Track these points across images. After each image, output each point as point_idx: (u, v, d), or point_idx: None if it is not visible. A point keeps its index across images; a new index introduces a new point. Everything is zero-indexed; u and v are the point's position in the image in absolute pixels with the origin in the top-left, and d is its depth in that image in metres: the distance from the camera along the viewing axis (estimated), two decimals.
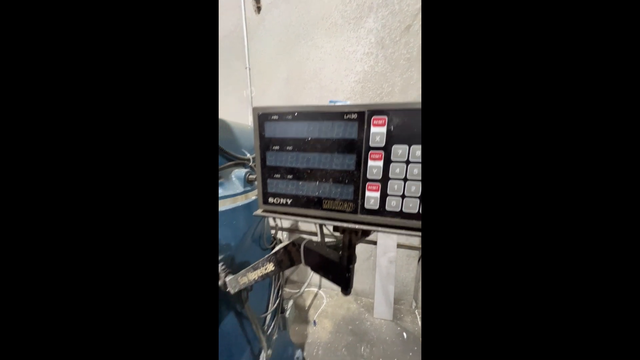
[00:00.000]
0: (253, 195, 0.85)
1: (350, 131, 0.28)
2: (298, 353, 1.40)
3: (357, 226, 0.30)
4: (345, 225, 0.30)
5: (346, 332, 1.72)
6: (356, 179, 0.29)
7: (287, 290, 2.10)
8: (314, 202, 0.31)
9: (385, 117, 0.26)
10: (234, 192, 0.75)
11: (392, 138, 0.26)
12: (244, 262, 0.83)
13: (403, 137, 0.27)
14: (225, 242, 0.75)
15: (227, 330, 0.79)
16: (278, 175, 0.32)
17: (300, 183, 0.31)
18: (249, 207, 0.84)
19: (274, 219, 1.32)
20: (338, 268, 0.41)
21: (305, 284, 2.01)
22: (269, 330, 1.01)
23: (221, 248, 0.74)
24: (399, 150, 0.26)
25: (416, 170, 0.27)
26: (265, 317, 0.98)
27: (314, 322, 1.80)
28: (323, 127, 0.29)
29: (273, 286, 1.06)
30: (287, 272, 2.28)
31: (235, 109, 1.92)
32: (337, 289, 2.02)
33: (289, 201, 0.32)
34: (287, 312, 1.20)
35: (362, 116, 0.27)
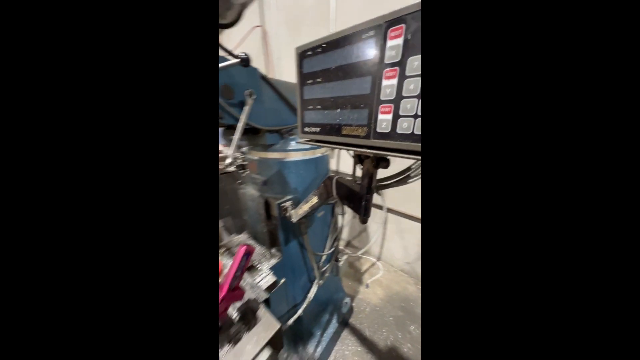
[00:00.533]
0: (319, 153, 0.97)
1: (367, 52, 0.27)
2: (347, 300, 1.60)
3: (368, 151, 0.30)
4: (358, 150, 0.32)
5: (398, 306, 1.71)
6: (370, 102, 0.29)
7: (346, 251, 2.31)
8: (335, 129, 0.34)
9: (403, 26, 0.23)
10: (303, 147, 0.90)
11: (408, 50, 0.24)
12: None
13: (420, 46, 0.23)
14: (293, 187, 0.95)
15: (291, 253, 1.04)
16: (311, 107, 0.37)
17: (326, 112, 0.35)
18: (315, 161, 0.97)
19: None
20: (358, 197, 0.43)
21: (364, 249, 2.12)
22: (323, 269, 1.22)
23: (290, 191, 0.94)
24: (414, 63, 0.24)
25: None
26: (321, 257, 1.19)
27: (367, 284, 1.92)
28: (344, 53, 0.30)
29: (330, 234, 1.22)
30: (349, 235, 2.47)
31: None
32: (396, 265, 1.98)
33: (318, 129, 0.37)
34: (341, 263, 1.37)
35: (380, 30, 0.25)
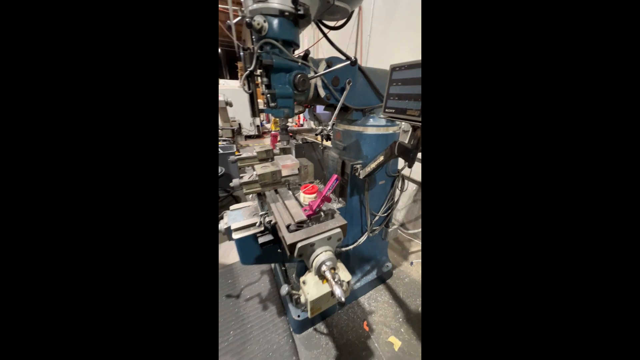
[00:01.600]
0: (392, 130, 1.18)
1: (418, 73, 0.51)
2: (389, 264, 1.85)
3: (419, 123, 0.55)
4: (413, 122, 0.57)
5: None
6: (420, 98, 0.54)
7: (399, 230, 2.46)
8: (402, 111, 0.60)
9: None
10: (379, 124, 1.14)
11: None
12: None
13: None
14: (365, 154, 1.23)
15: (352, 204, 1.38)
16: (392, 98, 0.64)
17: (399, 101, 0.61)
18: (386, 137, 1.20)
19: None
20: (409, 151, 0.68)
21: (414, 230, 2.21)
22: (374, 227, 1.50)
23: (362, 157, 1.23)
24: None
25: None
26: (375, 216, 1.47)
27: (412, 262, 2.06)
28: (411, 72, 0.56)
29: (386, 201, 1.46)
30: (405, 218, 2.56)
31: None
32: None
33: (393, 111, 0.64)
34: (390, 229, 1.60)
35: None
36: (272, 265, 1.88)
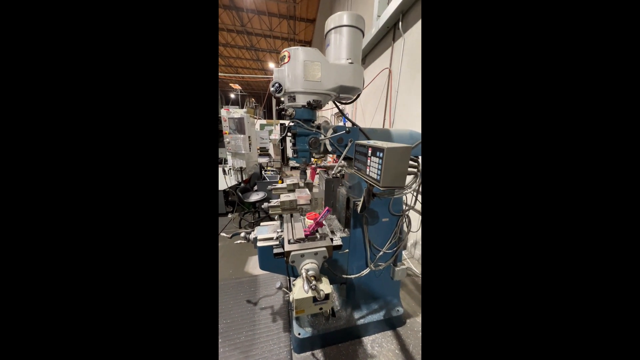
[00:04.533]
0: None
1: (364, 149, 0.80)
2: (400, 309, 1.77)
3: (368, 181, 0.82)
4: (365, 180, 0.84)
5: None
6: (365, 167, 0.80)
7: (413, 269, 2.29)
8: (359, 170, 0.88)
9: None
10: None
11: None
12: (375, 211, 1.50)
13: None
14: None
15: (356, 236, 1.57)
16: (356, 161, 0.95)
17: (359, 163, 0.90)
18: None
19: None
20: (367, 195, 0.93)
21: None
22: (379, 263, 1.59)
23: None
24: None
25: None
26: (379, 251, 1.58)
27: None
28: (361, 149, 0.84)
29: (391, 238, 1.57)
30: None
31: None
32: None
33: (357, 169, 0.93)
34: (398, 269, 1.63)
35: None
36: (288, 285, 2.12)
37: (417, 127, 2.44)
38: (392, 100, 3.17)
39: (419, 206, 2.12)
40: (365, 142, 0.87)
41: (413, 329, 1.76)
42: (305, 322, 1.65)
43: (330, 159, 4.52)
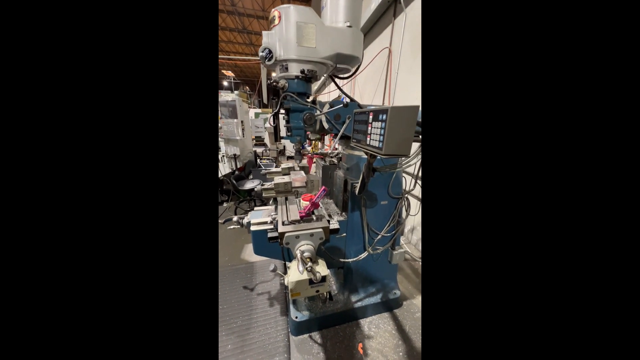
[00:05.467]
0: None
1: (365, 116, 0.71)
2: (397, 292, 1.77)
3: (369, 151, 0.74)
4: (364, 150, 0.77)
5: None
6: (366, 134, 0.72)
7: (412, 254, 2.30)
8: (359, 141, 0.79)
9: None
10: None
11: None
12: (374, 194, 1.44)
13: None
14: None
15: (354, 219, 1.52)
16: (356, 132, 0.85)
17: (358, 134, 0.81)
18: (382, 160, 1.36)
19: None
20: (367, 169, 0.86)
21: None
22: (377, 247, 1.56)
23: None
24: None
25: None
26: (377, 234, 1.54)
27: None
28: (361, 116, 0.75)
29: (389, 222, 1.53)
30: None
31: None
32: None
33: (355, 141, 0.84)
34: (396, 252, 1.61)
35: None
36: (284, 270, 2.10)
37: None
38: (392, 81, 3.02)
39: (418, 189, 2.09)
40: (365, 108, 0.78)
41: (410, 310, 1.78)
42: (303, 306, 1.64)
43: (327, 147, 4.40)
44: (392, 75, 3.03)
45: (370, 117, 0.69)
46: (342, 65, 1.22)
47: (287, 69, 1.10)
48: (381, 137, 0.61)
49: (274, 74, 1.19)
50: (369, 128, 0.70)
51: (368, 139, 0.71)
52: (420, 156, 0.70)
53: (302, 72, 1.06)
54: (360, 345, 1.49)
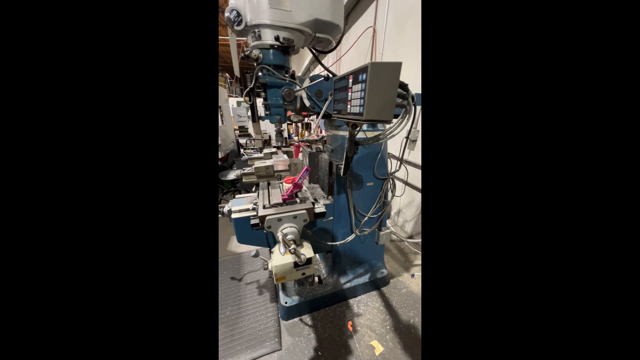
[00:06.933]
0: (375, 133, 1.31)
1: (345, 82, 0.65)
2: (384, 271, 1.83)
3: (350, 120, 0.68)
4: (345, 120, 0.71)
5: None
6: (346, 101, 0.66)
7: (397, 233, 2.38)
8: (340, 112, 0.73)
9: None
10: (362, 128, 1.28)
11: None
12: (359, 175, 1.41)
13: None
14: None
15: (340, 202, 1.50)
16: (336, 102, 0.79)
17: (339, 104, 0.75)
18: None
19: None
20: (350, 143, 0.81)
21: (414, 240, 2.12)
22: (364, 228, 1.56)
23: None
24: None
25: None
26: (364, 216, 1.54)
27: (413, 274, 1.97)
28: (340, 82, 0.68)
29: (376, 203, 1.53)
30: (413, 230, 2.47)
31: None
32: None
33: (336, 112, 0.78)
34: (382, 232, 1.63)
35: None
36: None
37: None
38: (377, 60, 2.94)
39: (403, 170, 2.11)
40: (345, 73, 0.71)
41: (396, 287, 1.85)
42: (292, 291, 1.63)
43: (313, 134, 4.28)
44: (377, 56, 2.94)
45: (350, 80, 0.63)
46: (322, 34, 1.12)
47: (260, 36, 0.98)
48: (362, 101, 0.55)
49: (247, 47, 1.07)
50: (349, 94, 0.64)
51: (349, 106, 0.65)
52: (406, 121, 0.66)
53: (277, 39, 0.95)
54: (350, 323, 1.53)
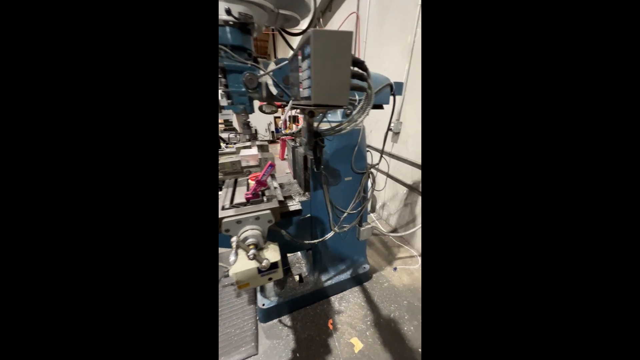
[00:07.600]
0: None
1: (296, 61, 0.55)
2: (366, 266, 1.80)
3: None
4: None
5: (417, 298, 1.67)
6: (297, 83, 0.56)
7: (381, 228, 2.37)
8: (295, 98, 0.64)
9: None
10: (333, 119, 1.19)
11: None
12: (336, 170, 1.33)
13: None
14: (325, 149, 1.27)
15: (318, 199, 1.42)
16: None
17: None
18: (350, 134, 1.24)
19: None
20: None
21: (399, 234, 2.11)
22: (344, 224, 1.50)
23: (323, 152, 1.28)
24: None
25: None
26: (343, 212, 1.47)
27: (395, 268, 1.97)
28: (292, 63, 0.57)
29: (355, 198, 1.46)
30: (397, 223, 2.46)
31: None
32: None
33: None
34: (363, 228, 1.58)
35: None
36: None
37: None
38: (361, 51, 2.81)
39: (384, 163, 2.06)
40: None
41: (378, 281, 1.83)
42: (271, 292, 1.56)
43: (298, 123, 4.11)
44: (361, 44, 2.81)
45: (299, 57, 0.53)
46: (287, 11, 0.99)
47: None
48: (309, 82, 0.46)
49: None
50: (300, 75, 0.54)
51: (300, 89, 0.55)
52: (366, 105, 0.57)
53: (228, 12, 0.82)
54: (330, 321, 1.49)
